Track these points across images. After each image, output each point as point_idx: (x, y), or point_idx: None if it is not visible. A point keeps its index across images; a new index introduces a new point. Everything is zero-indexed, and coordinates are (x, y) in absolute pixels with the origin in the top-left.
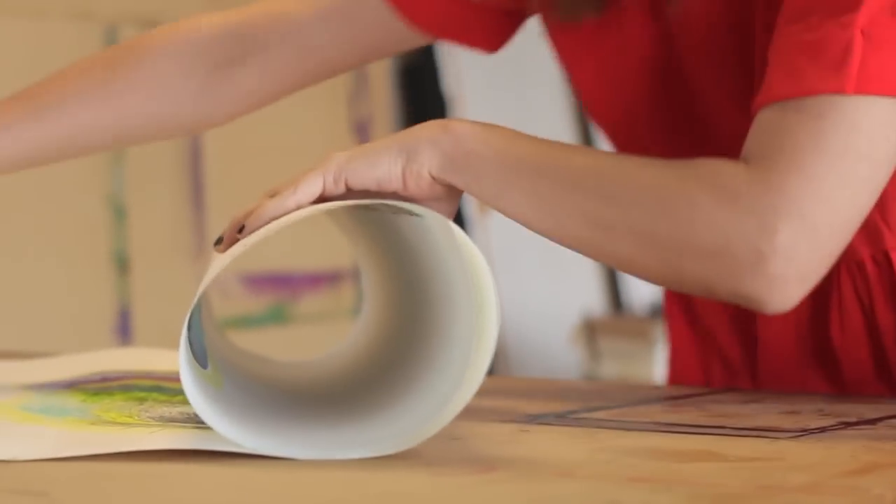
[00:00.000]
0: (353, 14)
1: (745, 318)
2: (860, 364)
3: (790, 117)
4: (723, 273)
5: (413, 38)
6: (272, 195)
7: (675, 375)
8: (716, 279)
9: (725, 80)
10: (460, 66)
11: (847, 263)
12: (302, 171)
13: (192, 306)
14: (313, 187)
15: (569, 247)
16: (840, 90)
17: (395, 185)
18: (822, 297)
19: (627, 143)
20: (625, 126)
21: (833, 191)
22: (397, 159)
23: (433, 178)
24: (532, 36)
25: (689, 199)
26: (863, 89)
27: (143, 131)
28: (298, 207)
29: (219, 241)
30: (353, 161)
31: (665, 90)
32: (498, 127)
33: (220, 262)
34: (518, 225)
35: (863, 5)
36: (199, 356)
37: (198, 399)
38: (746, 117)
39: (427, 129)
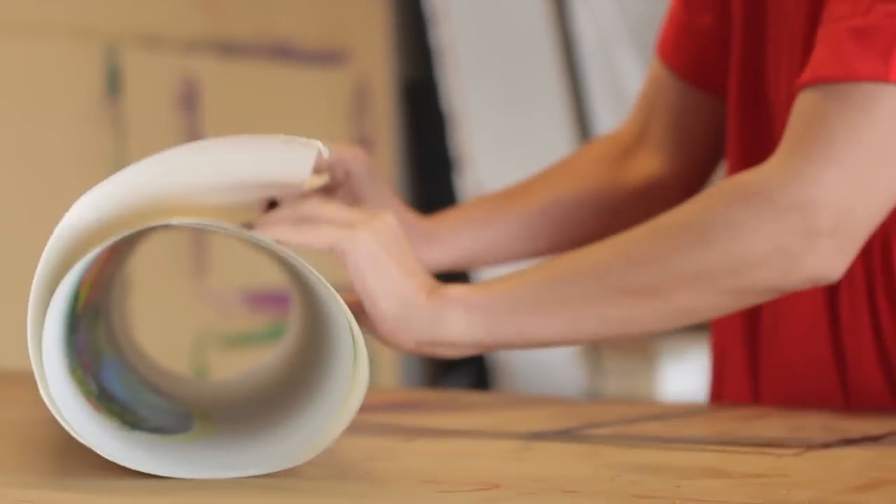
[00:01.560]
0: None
1: (754, 323)
2: (861, 351)
3: (831, 105)
4: (783, 270)
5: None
6: (301, 215)
7: (719, 390)
8: (779, 279)
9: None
10: (461, 83)
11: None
12: (334, 213)
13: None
14: (322, 243)
15: (625, 335)
16: (884, 78)
17: (375, 314)
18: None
19: None
20: None
21: (866, 177)
22: (422, 318)
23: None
24: (533, 52)
25: (725, 222)
26: None
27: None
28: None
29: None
30: (366, 265)
31: None
32: (483, 282)
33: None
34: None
35: None
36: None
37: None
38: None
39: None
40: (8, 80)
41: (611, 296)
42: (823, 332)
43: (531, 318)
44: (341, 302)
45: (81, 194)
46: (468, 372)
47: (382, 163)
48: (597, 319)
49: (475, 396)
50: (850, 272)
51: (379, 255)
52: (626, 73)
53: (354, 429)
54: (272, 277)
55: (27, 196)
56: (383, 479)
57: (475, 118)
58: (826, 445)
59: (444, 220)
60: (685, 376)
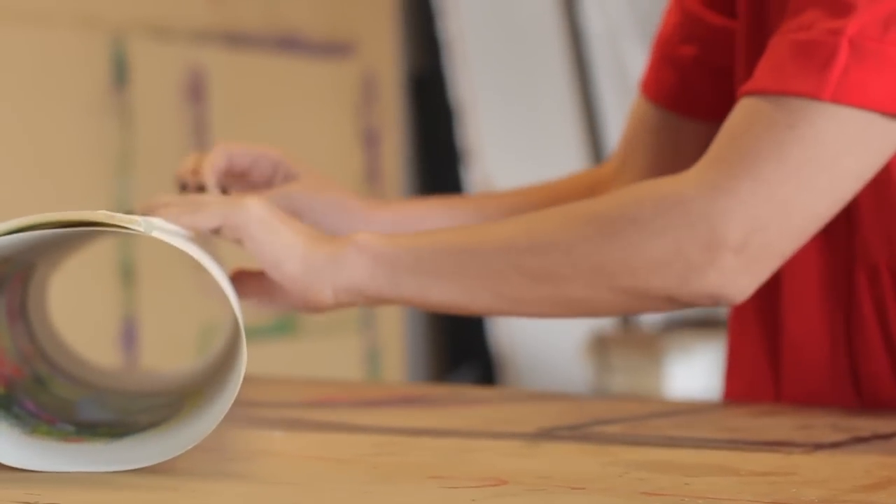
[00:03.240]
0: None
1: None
2: (878, 378)
3: (760, 117)
4: (680, 278)
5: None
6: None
7: (737, 386)
8: (675, 287)
9: None
10: (469, 76)
11: (864, 266)
12: (215, 197)
13: None
14: (211, 220)
15: (517, 314)
16: (817, 95)
17: (282, 277)
18: (844, 301)
19: None
20: None
21: (787, 196)
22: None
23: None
24: (541, 46)
25: (631, 219)
26: (839, 98)
27: None
28: (191, 227)
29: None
30: (260, 231)
31: None
32: (396, 234)
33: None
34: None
35: (854, 13)
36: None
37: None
38: None
39: (334, 249)
40: (15, 69)
41: (507, 273)
42: (842, 360)
43: (432, 280)
44: (228, 288)
45: (83, 184)
46: (475, 367)
47: (389, 155)
48: (492, 294)
49: (482, 392)
50: (858, 304)
51: (269, 219)
52: (634, 67)
53: (360, 423)
54: None
55: (33, 186)
56: (389, 474)
57: (483, 111)
58: (836, 444)
59: (404, 202)
60: (692, 373)
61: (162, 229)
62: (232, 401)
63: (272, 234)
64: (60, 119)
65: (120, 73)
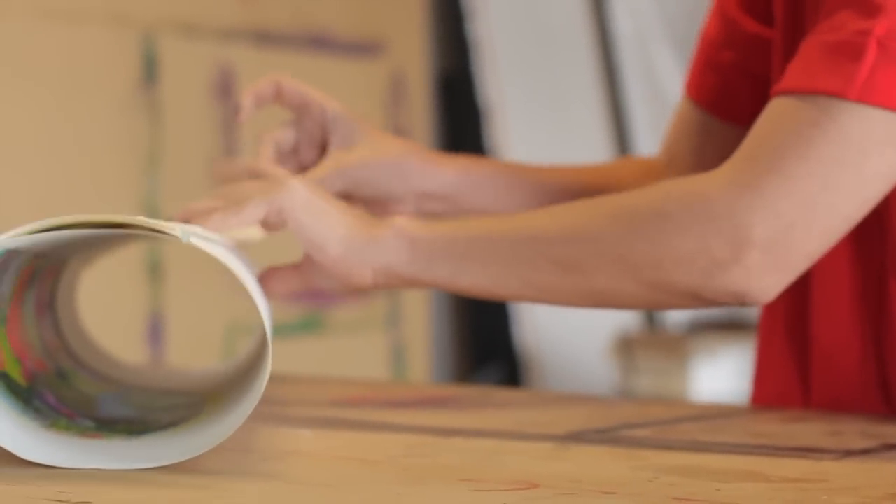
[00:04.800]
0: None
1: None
2: None
3: (789, 116)
4: (705, 274)
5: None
6: (209, 207)
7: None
8: (699, 282)
9: None
10: (498, 77)
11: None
12: (253, 185)
13: None
14: (257, 213)
15: (543, 302)
16: (843, 94)
17: (325, 259)
18: (875, 310)
19: None
20: None
21: (811, 194)
22: (349, 246)
23: (380, 273)
24: (570, 48)
25: (657, 212)
26: (865, 98)
27: None
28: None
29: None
30: (304, 214)
31: None
32: (432, 222)
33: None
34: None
35: (883, 14)
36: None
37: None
38: None
39: (377, 230)
40: (45, 66)
41: (536, 261)
42: (872, 368)
43: (463, 265)
44: (260, 300)
45: (111, 180)
46: (500, 366)
47: None
48: (520, 280)
49: (510, 394)
50: (889, 313)
51: (313, 200)
52: (662, 70)
53: (390, 424)
54: None
55: (63, 182)
56: (419, 476)
57: (511, 112)
58: (866, 451)
59: (470, 159)
60: (718, 375)
61: (199, 236)
62: (254, 405)
63: (316, 217)
64: (90, 116)
65: (149, 70)
